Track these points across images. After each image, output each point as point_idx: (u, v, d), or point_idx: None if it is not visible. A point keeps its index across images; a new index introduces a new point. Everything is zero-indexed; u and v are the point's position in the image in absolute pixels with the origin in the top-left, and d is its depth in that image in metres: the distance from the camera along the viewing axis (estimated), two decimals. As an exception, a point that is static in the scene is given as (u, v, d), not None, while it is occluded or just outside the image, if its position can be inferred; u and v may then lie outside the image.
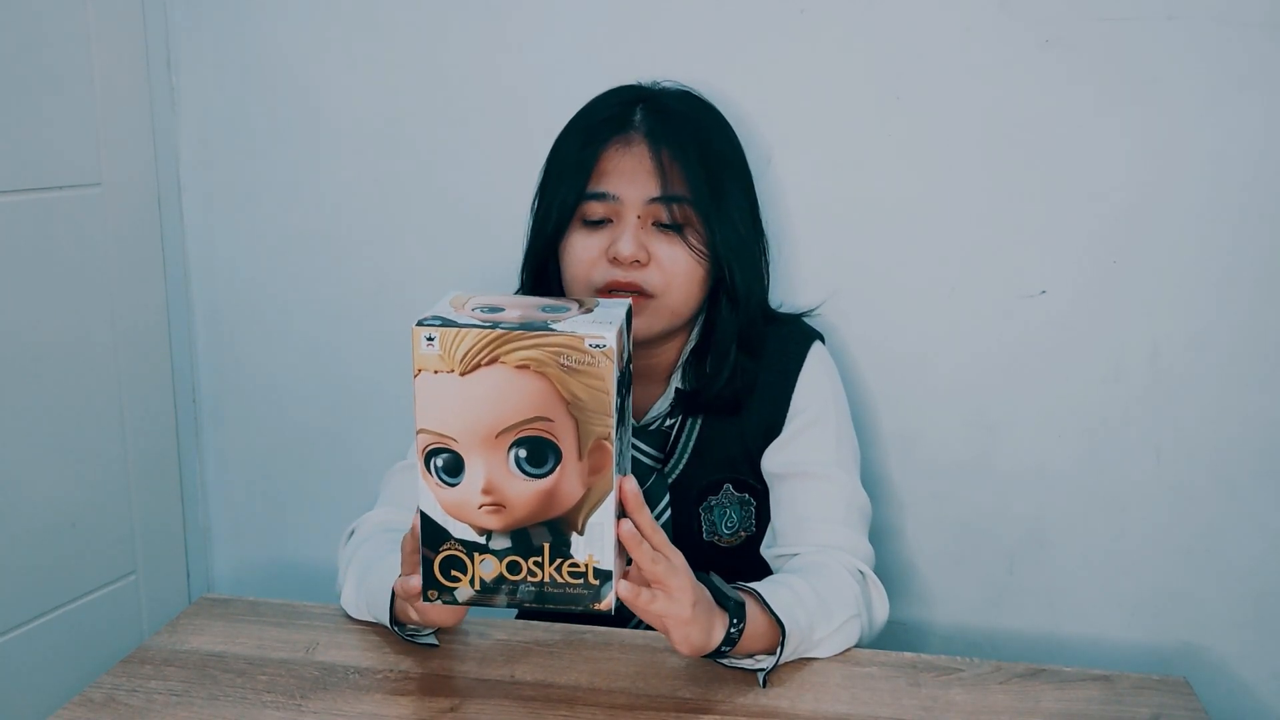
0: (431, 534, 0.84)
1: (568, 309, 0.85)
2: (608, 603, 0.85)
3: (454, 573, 0.84)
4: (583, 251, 1.13)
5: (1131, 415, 1.34)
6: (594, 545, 0.84)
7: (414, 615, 0.98)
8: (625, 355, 0.84)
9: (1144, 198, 1.29)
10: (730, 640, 0.94)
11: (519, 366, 0.79)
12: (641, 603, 0.88)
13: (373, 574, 1.07)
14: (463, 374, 0.80)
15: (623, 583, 0.86)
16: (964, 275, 1.35)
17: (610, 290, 1.11)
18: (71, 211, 1.41)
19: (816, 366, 1.20)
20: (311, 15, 1.46)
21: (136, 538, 1.55)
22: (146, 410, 1.54)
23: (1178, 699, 0.99)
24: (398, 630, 1.04)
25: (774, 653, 0.98)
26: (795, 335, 1.22)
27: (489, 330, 0.79)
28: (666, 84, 1.20)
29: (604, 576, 0.84)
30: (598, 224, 1.13)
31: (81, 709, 0.95)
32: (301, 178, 1.51)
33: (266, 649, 1.06)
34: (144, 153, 1.50)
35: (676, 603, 0.89)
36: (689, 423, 1.19)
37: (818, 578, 1.06)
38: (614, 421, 0.81)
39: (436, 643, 1.05)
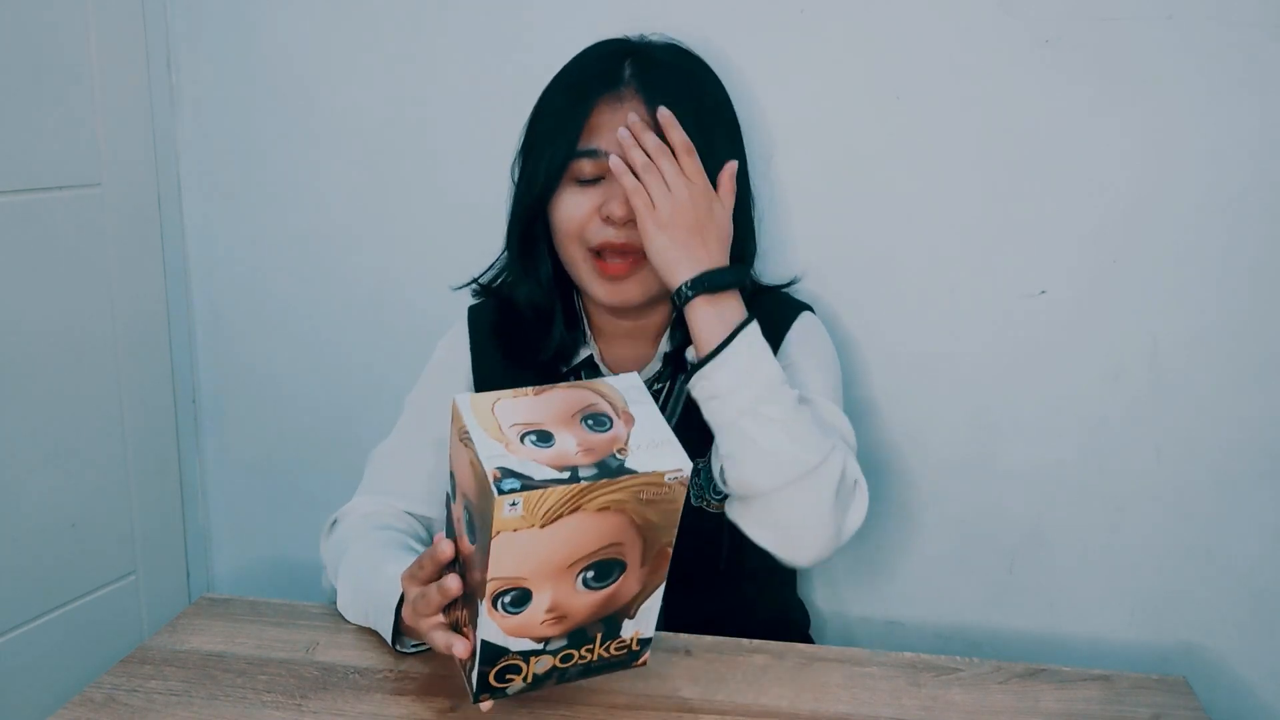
0: (490, 653, 0.84)
1: (608, 418, 0.83)
2: (645, 659, 0.88)
3: (509, 676, 0.85)
4: (574, 210, 1.11)
5: (1131, 415, 1.34)
6: (641, 624, 0.85)
7: (436, 644, 0.93)
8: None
9: (1143, 197, 1.29)
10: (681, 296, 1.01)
11: (600, 510, 0.79)
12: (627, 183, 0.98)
13: (367, 584, 1.06)
14: (543, 527, 0.78)
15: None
16: (964, 275, 1.35)
17: (601, 253, 1.10)
18: (71, 211, 1.41)
19: (807, 327, 1.19)
20: (311, 15, 1.46)
21: (136, 538, 1.55)
22: (146, 410, 1.54)
23: (1178, 699, 0.99)
24: (396, 645, 1.03)
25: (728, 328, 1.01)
26: (783, 303, 1.22)
27: (573, 485, 0.77)
28: (654, 37, 1.19)
29: (645, 643, 0.87)
30: (589, 182, 1.11)
31: (81, 709, 0.95)
32: (302, 177, 1.51)
33: (266, 649, 1.06)
34: (144, 153, 1.50)
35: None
36: (677, 386, 1.18)
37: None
38: (677, 530, 0.82)
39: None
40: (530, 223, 1.15)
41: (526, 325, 1.18)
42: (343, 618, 1.11)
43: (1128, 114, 1.27)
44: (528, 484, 0.76)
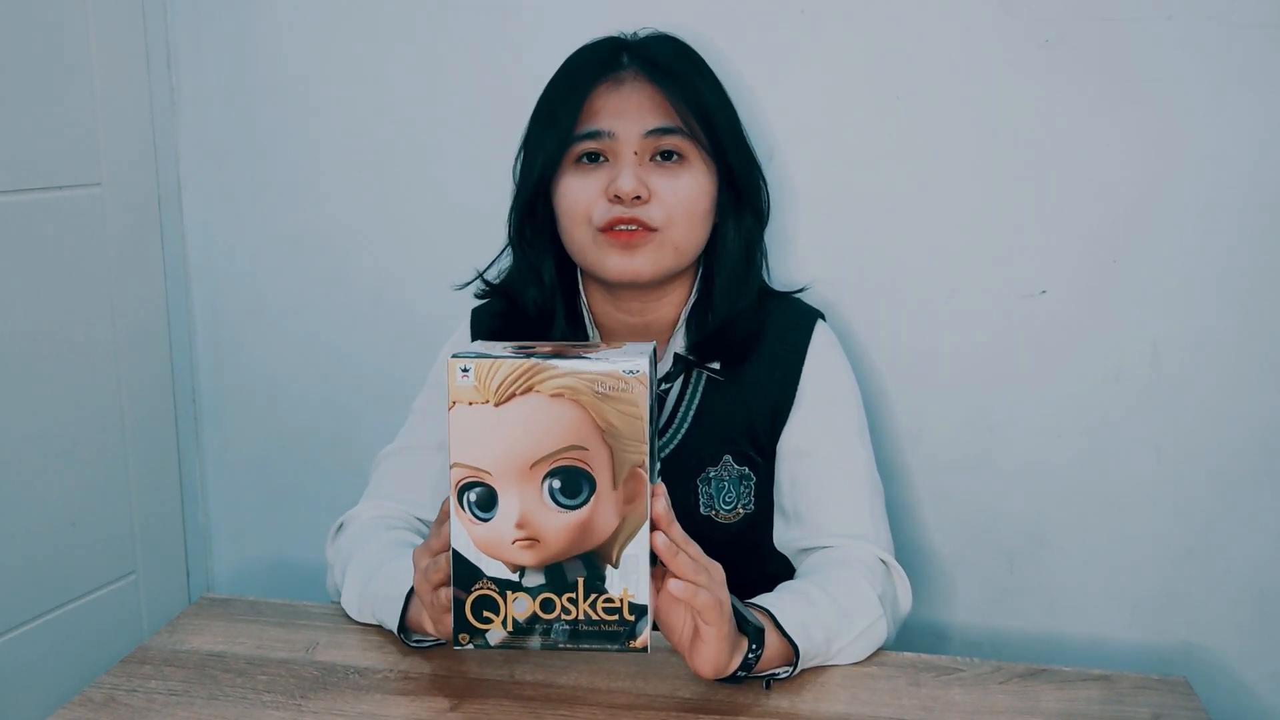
0: (464, 573, 0.84)
1: (597, 346, 0.86)
2: (643, 640, 0.85)
3: (486, 614, 0.84)
4: (580, 192, 1.10)
5: (1131, 415, 1.34)
6: (629, 579, 0.83)
7: (430, 629, 0.97)
8: (653, 392, 0.85)
9: (1143, 197, 1.29)
10: (746, 665, 0.94)
11: (554, 395, 0.80)
12: (685, 594, 0.85)
13: (378, 579, 1.06)
14: (497, 404, 0.80)
15: (673, 580, 0.85)
16: (964, 275, 1.35)
17: (611, 227, 1.09)
18: (71, 211, 1.41)
19: (826, 343, 1.19)
20: (311, 15, 1.46)
21: (136, 538, 1.55)
22: (146, 410, 1.54)
23: (1178, 699, 0.99)
24: (402, 638, 1.04)
25: (785, 665, 0.98)
26: (799, 310, 1.21)
27: (524, 360, 0.79)
28: (645, 31, 1.19)
29: (639, 612, 0.84)
30: (593, 162, 1.11)
31: (81, 709, 0.95)
32: (301, 178, 1.51)
33: (266, 649, 1.06)
34: (144, 153, 1.50)
35: (716, 609, 0.88)
36: (689, 389, 1.17)
37: (839, 585, 1.05)
38: (648, 449, 0.81)
39: (444, 640, 1.05)
40: (531, 212, 1.15)
41: (529, 325, 1.18)
42: (345, 616, 1.11)
43: (1128, 114, 1.27)
44: (481, 354, 0.80)
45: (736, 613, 0.94)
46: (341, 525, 1.19)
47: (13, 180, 1.32)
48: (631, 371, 0.80)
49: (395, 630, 1.03)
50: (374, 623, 1.08)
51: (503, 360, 0.79)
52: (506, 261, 1.22)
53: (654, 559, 0.86)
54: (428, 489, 1.18)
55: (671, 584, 0.85)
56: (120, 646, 1.38)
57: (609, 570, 0.83)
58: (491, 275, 1.23)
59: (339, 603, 1.13)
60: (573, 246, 1.14)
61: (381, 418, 1.55)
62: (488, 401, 0.80)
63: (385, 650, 1.05)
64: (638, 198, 1.08)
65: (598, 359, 0.81)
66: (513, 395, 0.80)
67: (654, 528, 0.85)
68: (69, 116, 1.39)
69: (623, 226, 1.09)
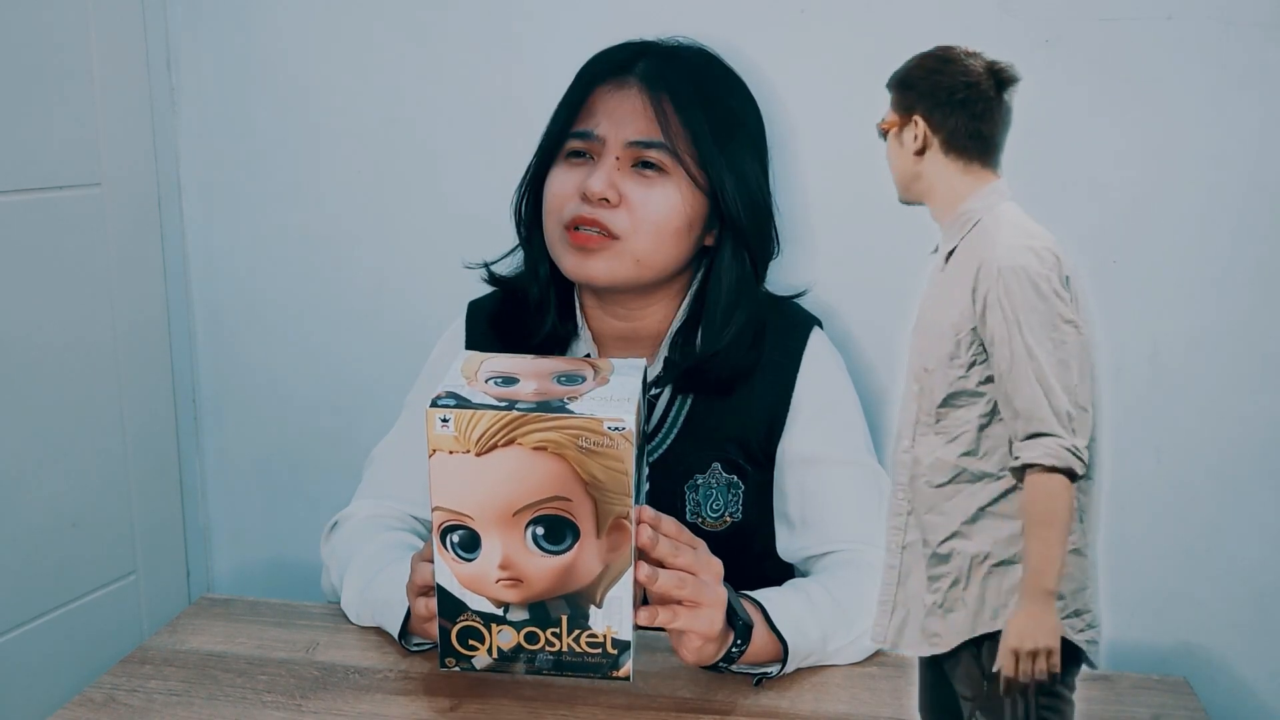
0: (448, 606, 0.84)
1: (583, 378, 0.84)
2: (626, 670, 0.85)
3: (471, 642, 0.85)
4: (559, 187, 1.12)
5: (1131, 415, 1.34)
6: (612, 618, 0.83)
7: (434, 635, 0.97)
8: (641, 420, 0.84)
9: (1143, 197, 1.29)
10: (729, 658, 0.94)
11: (536, 448, 0.79)
12: (661, 621, 0.87)
13: (378, 583, 1.06)
14: (479, 455, 0.79)
15: (642, 611, 0.86)
16: (964, 275, 1.34)
17: (575, 226, 1.09)
18: (71, 211, 1.41)
19: (821, 351, 1.18)
20: (311, 15, 1.46)
21: (136, 538, 1.55)
22: (146, 410, 1.54)
23: (1178, 699, 0.99)
24: (403, 642, 1.04)
25: (775, 660, 0.98)
26: (794, 318, 1.21)
27: (505, 412, 0.78)
28: (678, 39, 1.19)
29: (622, 646, 0.84)
30: (579, 160, 1.12)
31: (81, 709, 0.95)
32: (301, 178, 1.51)
33: (266, 649, 1.06)
34: (144, 153, 1.50)
35: (701, 619, 0.89)
36: (679, 396, 1.17)
37: (843, 585, 1.05)
38: (633, 500, 0.81)
39: None
40: (526, 202, 1.17)
41: (524, 320, 1.19)
42: (344, 616, 1.11)
43: (1128, 114, 1.27)
44: (462, 404, 0.78)
45: (730, 606, 0.94)
46: (336, 524, 1.18)
47: (13, 180, 1.32)
48: (616, 428, 0.78)
49: (396, 635, 1.03)
50: (374, 626, 1.08)
51: (483, 412, 0.78)
52: (516, 259, 1.23)
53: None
54: (422, 486, 1.17)
55: (641, 616, 0.86)
56: (120, 646, 1.38)
57: (592, 610, 0.83)
58: (500, 265, 1.24)
59: (335, 602, 1.13)
60: (547, 240, 1.15)
61: (381, 418, 1.54)
62: (468, 451, 0.79)
63: (385, 650, 1.05)
64: (605, 200, 1.08)
65: (584, 400, 0.80)
66: (494, 446, 0.79)
67: (640, 557, 0.85)
68: (69, 116, 1.39)
69: (584, 228, 1.09)
